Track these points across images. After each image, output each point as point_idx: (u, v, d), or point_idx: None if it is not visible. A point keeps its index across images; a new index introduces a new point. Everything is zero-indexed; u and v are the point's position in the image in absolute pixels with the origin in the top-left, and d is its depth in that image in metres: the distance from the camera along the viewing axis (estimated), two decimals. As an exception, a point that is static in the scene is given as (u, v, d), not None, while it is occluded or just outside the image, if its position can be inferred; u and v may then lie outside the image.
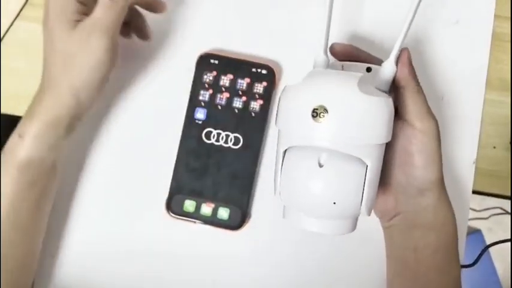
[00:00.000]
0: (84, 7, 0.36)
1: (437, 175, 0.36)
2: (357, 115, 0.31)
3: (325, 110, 0.31)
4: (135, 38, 0.44)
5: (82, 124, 0.39)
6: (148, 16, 0.45)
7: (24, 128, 0.36)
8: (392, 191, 0.37)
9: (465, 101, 0.44)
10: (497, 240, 0.49)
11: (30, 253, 0.40)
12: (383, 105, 0.32)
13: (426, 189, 0.36)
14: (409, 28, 0.34)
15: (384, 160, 0.34)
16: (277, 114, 0.35)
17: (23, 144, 0.36)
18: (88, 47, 0.35)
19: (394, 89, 0.36)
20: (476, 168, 0.44)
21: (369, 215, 0.34)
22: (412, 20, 0.34)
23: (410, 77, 0.35)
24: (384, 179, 0.36)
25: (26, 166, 0.36)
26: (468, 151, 0.44)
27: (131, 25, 0.42)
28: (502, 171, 0.45)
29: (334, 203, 0.32)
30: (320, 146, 0.32)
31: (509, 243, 0.46)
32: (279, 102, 0.35)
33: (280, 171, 0.35)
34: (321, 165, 0.32)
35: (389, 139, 0.33)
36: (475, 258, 0.47)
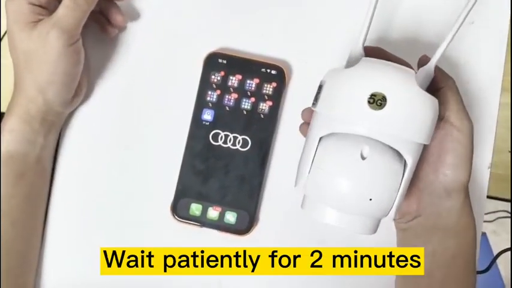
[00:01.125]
0: (41, 9, 0.37)
1: (467, 177, 0.36)
2: (414, 110, 0.31)
3: (384, 99, 0.30)
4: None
5: (84, 126, 0.39)
6: (157, 14, 0.44)
7: (2, 125, 0.39)
8: (417, 192, 0.36)
9: (480, 104, 0.43)
10: (505, 244, 0.48)
11: (30, 249, 0.42)
12: (435, 105, 0.32)
13: (454, 190, 0.35)
14: (451, 40, 0.34)
15: None
16: (318, 96, 0.33)
17: (2, 140, 0.38)
18: (47, 44, 0.36)
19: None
20: (491, 173, 0.43)
21: (395, 218, 0.33)
22: (458, 30, 0.34)
23: (451, 78, 0.36)
24: (411, 179, 0.36)
25: (7, 160, 0.38)
26: (484, 156, 0.43)
27: (104, 13, 0.43)
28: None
29: (371, 199, 0.31)
30: (368, 135, 0.31)
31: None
32: (322, 84, 0.34)
33: (311, 160, 0.33)
34: (363, 158, 0.31)
35: (429, 142, 0.33)
36: (483, 262, 0.46)
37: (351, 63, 0.34)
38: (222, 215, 0.42)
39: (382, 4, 0.44)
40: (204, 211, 0.42)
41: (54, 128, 0.41)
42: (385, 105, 0.30)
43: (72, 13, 0.37)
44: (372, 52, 0.37)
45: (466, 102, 0.43)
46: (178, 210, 0.42)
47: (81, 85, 0.42)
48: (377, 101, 0.30)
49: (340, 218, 0.33)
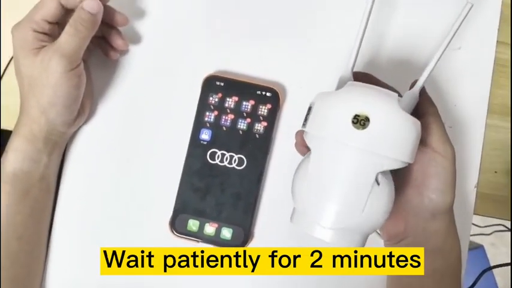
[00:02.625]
0: (45, 36, 0.40)
1: (451, 200, 0.37)
2: (396, 130, 0.32)
3: (367, 119, 0.32)
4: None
5: (87, 144, 0.40)
6: (157, 38, 0.46)
7: (8, 144, 0.41)
8: (404, 214, 0.38)
9: (467, 126, 0.45)
10: (504, 257, 0.49)
11: (35, 261, 0.43)
12: (417, 126, 0.33)
13: (439, 213, 0.37)
14: (435, 64, 0.35)
15: (399, 183, 0.35)
16: (307, 117, 0.35)
17: (7, 159, 0.40)
18: (48, 69, 0.38)
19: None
20: (477, 192, 0.44)
21: (378, 232, 0.35)
22: (441, 56, 0.35)
23: (433, 105, 0.37)
24: (397, 202, 0.37)
25: (13, 178, 0.40)
26: (470, 176, 0.44)
27: (106, 38, 0.45)
28: (503, 196, 0.46)
29: (360, 214, 0.32)
30: (354, 153, 0.32)
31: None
32: (311, 105, 0.35)
33: (304, 176, 0.35)
34: (351, 175, 0.33)
35: (413, 160, 0.34)
36: (477, 274, 0.47)
37: (340, 87, 0.36)
38: (218, 231, 0.44)
39: (374, 31, 0.46)
40: (201, 227, 0.44)
41: (57, 147, 0.43)
42: (368, 125, 0.32)
43: (73, 39, 0.39)
44: (361, 77, 0.38)
45: (454, 124, 0.45)
46: (177, 225, 0.44)
47: (83, 106, 0.43)
48: (360, 121, 0.32)
49: (329, 234, 0.34)
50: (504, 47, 0.46)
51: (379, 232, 0.40)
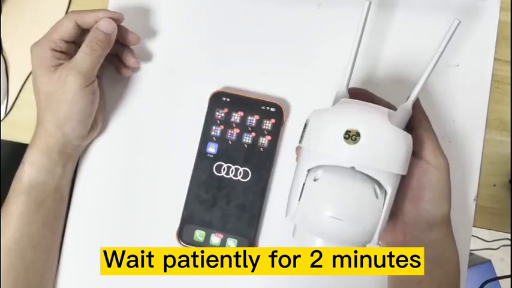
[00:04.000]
0: (62, 54, 0.42)
1: (447, 211, 0.38)
2: (386, 144, 0.34)
3: (358, 134, 0.33)
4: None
5: (98, 156, 0.42)
6: (167, 56, 0.48)
7: (25, 157, 0.43)
8: (402, 225, 0.39)
9: (466, 140, 0.46)
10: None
11: (48, 270, 0.45)
12: (408, 139, 0.35)
13: (435, 224, 0.37)
14: (427, 78, 0.37)
15: (396, 195, 0.36)
16: (303, 133, 0.37)
17: (24, 170, 0.42)
18: (65, 85, 0.40)
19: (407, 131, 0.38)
20: (477, 205, 0.45)
21: (378, 243, 0.36)
22: (431, 72, 0.37)
23: (426, 118, 0.39)
24: (395, 213, 0.38)
25: (29, 189, 0.42)
26: (469, 189, 0.45)
27: (119, 56, 0.47)
28: (502, 209, 0.47)
29: (358, 227, 0.34)
30: (348, 166, 0.34)
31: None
32: (307, 122, 0.37)
33: (299, 191, 0.36)
34: (346, 189, 0.34)
35: (405, 172, 0.35)
36: None
37: (336, 103, 0.38)
38: (223, 241, 0.45)
39: (371, 48, 0.47)
40: (207, 237, 0.45)
41: (71, 159, 0.45)
42: (359, 140, 0.33)
43: (89, 58, 0.41)
44: (357, 93, 0.40)
45: (452, 139, 0.46)
46: (184, 235, 0.46)
47: (96, 120, 0.45)
48: (352, 136, 0.33)
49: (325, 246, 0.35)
50: (501, 63, 0.47)
51: (379, 243, 0.41)
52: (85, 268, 0.47)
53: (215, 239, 0.45)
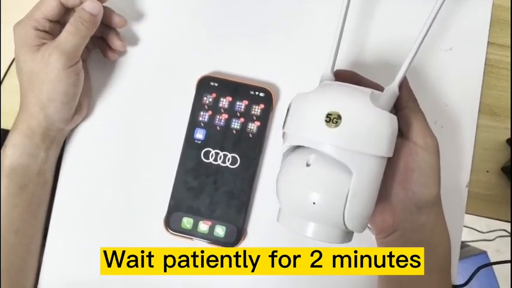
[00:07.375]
0: (45, 33, 0.41)
1: (436, 192, 0.37)
2: (368, 126, 0.33)
3: (339, 117, 0.32)
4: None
5: (84, 141, 0.41)
6: (154, 40, 0.47)
7: (7, 140, 0.42)
8: (391, 208, 0.38)
9: (458, 125, 0.45)
10: (504, 265, 0.49)
11: (30, 255, 0.44)
12: (392, 120, 0.34)
13: (424, 207, 0.37)
14: (414, 57, 0.36)
15: (384, 177, 0.35)
16: (286, 118, 0.36)
17: (5, 153, 0.41)
18: (48, 64, 0.39)
19: (395, 112, 0.37)
20: (470, 192, 0.44)
21: (360, 231, 0.35)
22: (417, 50, 0.36)
23: (414, 98, 0.38)
24: (384, 196, 0.37)
25: (11, 172, 0.41)
26: (461, 175, 0.45)
27: (105, 39, 0.46)
28: (495, 196, 0.46)
29: (314, 203, 0.33)
30: (326, 150, 0.33)
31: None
32: (289, 107, 0.36)
33: (286, 176, 0.36)
34: (308, 165, 0.34)
35: (390, 154, 0.35)
36: (484, 281, 0.47)
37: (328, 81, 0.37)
38: (212, 229, 0.45)
39: (358, 29, 0.47)
40: (195, 225, 0.45)
41: (55, 143, 0.44)
42: (340, 123, 0.32)
43: (73, 38, 0.40)
44: (343, 75, 0.39)
45: (445, 124, 0.45)
46: (171, 223, 0.45)
47: (81, 104, 0.45)
48: (333, 119, 0.33)
49: (302, 225, 0.35)
50: (495, 47, 0.46)
51: (369, 226, 0.40)
52: (69, 256, 0.46)
53: (203, 226, 0.45)
